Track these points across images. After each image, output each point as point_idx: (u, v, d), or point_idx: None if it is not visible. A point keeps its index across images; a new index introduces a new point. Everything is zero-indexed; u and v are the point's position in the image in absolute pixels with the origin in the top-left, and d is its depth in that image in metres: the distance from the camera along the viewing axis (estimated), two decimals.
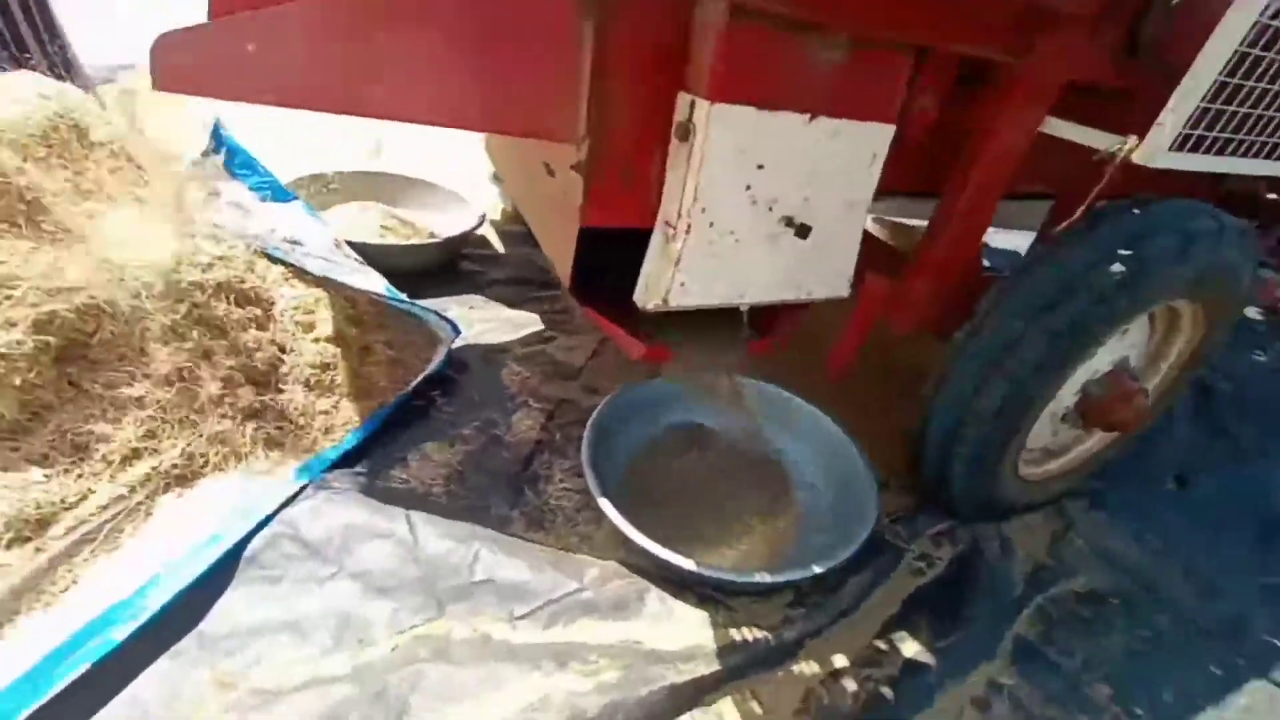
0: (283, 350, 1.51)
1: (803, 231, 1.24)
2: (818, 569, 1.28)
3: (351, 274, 1.74)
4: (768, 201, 1.23)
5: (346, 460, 1.47)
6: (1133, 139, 1.30)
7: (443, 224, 2.53)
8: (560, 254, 1.37)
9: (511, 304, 2.29)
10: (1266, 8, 1.15)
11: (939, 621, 1.40)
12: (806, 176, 1.25)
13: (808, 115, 1.18)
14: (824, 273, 1.39)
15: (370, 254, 1.90)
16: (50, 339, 1.16)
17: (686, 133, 1.14)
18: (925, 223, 1.58)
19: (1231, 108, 1.29)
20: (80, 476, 1.21)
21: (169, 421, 1.30)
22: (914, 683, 1.26)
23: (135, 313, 1.28)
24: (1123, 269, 1.32)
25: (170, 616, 1.12)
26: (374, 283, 1.76)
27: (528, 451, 1.63)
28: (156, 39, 0.83)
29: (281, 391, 1.47)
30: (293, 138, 2.04)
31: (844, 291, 1.43)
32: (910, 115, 1.51)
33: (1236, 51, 1.19)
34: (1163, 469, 2.05)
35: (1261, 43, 1.22)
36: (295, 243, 1.70)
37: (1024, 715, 1.26)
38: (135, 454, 1.26)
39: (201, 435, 1.33)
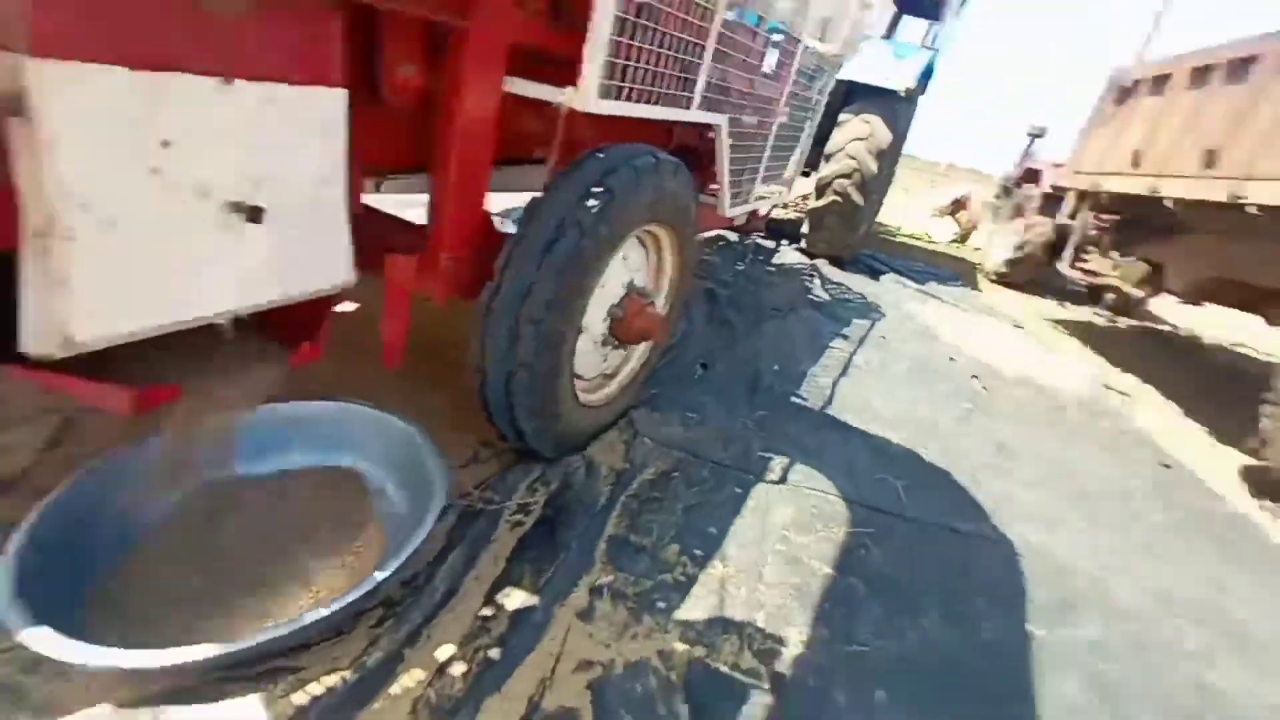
0: None
1: (255, 215, 1.05)
2: (368, 584, 1.15)
3: None
4: (197, 187, 1.00)
5: None
6: (570, 90, 1.48)
7: None
8: None
9: None
10: None
11: (540, 562, 1.46)
12: (246, 152, 1.05)
13: (219, 79, 0.99)
14: (313, 262, 1.22)
15: None
16: None
17: (19, 107, 0.83)
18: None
19: (633, 64, 1.56)
20: None
21: None
22: (519, 631, 1.28)
23: None
24: (598, 201, 1.51)
25: None
26: None
27: None
28: None
29: None
30: None
31: (345, 277, 1.29)
32: (394, 84, 1.46)
33: (614, 13, 1.42)
34: (691, 361, 2.59)
35: (635, 8, 1.49)
36: None
37: (622, 601, 1.41)
38: None
39: None
